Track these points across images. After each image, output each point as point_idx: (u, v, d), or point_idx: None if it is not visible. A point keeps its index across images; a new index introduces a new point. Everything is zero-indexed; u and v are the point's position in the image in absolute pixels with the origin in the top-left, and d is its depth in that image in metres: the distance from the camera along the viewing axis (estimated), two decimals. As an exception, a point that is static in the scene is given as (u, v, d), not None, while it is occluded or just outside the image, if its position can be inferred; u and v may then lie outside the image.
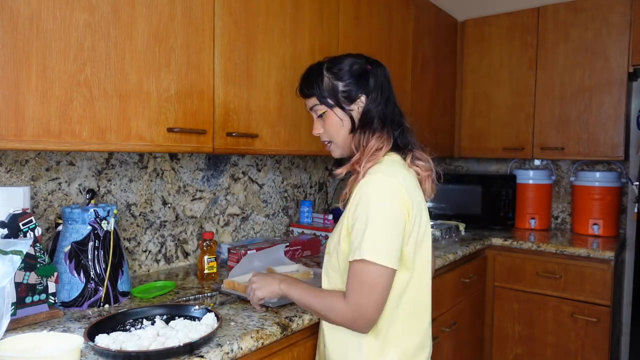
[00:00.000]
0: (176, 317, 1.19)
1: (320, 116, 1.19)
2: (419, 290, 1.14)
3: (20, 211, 1.19)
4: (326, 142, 1.23)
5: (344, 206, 1.14)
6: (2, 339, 0.96)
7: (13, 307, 1.10)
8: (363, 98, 1.15)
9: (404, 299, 1.10)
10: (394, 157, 1.14)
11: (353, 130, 1.16)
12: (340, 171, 1.15)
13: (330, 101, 1.15)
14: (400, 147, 1.16)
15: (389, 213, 1.02)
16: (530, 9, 2.79)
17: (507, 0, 3.00)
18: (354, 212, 1.05)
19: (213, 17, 1.44)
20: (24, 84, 1.05)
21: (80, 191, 1.52)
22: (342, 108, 1.15)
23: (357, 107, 1.15)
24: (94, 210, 1.31)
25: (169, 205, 1.78)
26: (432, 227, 2.55)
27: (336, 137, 1.18)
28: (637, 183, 2.37)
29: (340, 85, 1.15)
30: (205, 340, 1.06)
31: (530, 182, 2.87)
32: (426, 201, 1.18)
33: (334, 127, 1.17)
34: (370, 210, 1.01)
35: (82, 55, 1.14)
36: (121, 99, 1.22)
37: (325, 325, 1.18)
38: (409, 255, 1.08)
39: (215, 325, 1.11)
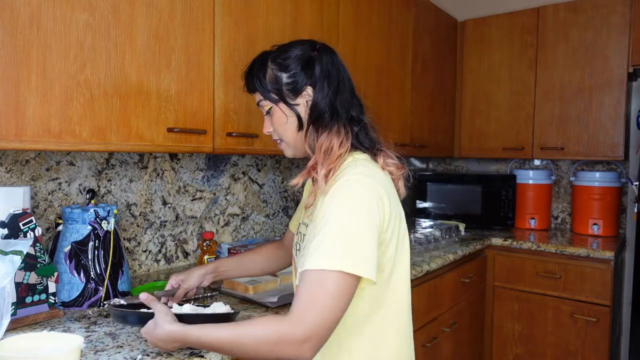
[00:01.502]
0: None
1: (268, 113, 1.07)
2: (398, 304, 1.02)
3: (21, 211, 1.19)
4: (278, 141, 1.11)
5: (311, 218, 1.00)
6: (2, 339, 0.96)
7: (13, 307, 1.10)
8: (309, 90, 1.02)
9: (380, 315, 0.99)
10: (363, 156, 1.01)
11: (301, 127, 1.03)
12: (296, 182, 1.01)
13: (274, 96, 1.03)
14: (366, 146, 1.03)
15: (364, 216, 0.88)
16: (530, 9, 2.79)
17: (507, 0, 3.00)
18: (326, 212, 0.89)
19: (213, 17, 1.45)
20: (24, 84, 1.05)
21: (80, 191, 1.52)
22: (287, 102, 1.03)
23: (305, 101, 1.02)
24: (94, 210, 1.31)
25: (169, 205, 1.78)
26: (432, 227, 2.55)
27: (284, 136, 1.07)
28: (637, 183, 2.37)
29: (284, 77, 1.02)
30: (236, 314, 1.06)
31: (530, 182, 2.87)
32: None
33: (280, 124, 1.05)
34: (342, 211, 0.88)
35: (82, 55, 1.14)
36: (121, 99, 1.22)
37: None
38: (386, 265, 0.96)
39: (231, 309, 1.08)
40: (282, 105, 1.04)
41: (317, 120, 1.01)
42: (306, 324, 0.80)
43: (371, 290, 0.95)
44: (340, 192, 0.91)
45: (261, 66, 1.06)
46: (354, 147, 1.02)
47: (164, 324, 0.89)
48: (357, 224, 0.87)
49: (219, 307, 1.08)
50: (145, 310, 0.98)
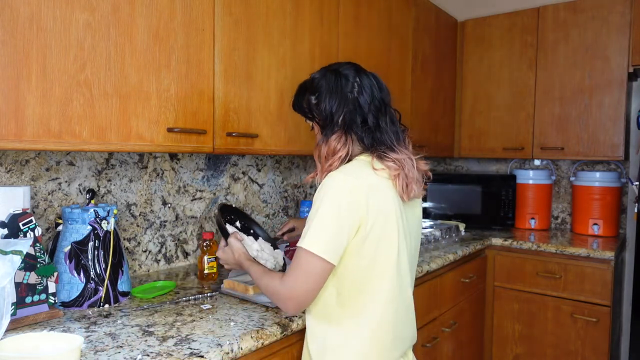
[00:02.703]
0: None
1: (312, 128, 1.28)
2: (382, 292, 1.12)
3: (20, 211, 1.19)
4: None
5: None
6: (2, 339, 0.96)
7: (13, 307, 1.10)
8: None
9: (360, 295, 1.12)
10: (364, 158, 1.16)
11: None
12: (306, 180, 1.24)
13: (309, 115, 1.24)
14: (368, 148, 1.17)
15: (336, 209, 1.05)
16: (530, 9, 2.79)
17: (507, 0, 3.00)
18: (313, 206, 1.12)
19: (213, 17, 1.44)
20: (24, 84, 1.05)
21: (80, 191, 1.52)
22: (315, 120, 1.23)
23: None
24: (94, 210, 1.31)
25: (169, 205, 1.78)
26: (432, 227, 2.55)
27: None
28: (637, 183, 2.37)
29: (312, 99, 1.22)
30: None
31: (530, 182, 2.87)
32: (405, 200, 1.15)
33: (318, 137, 1.24)
34: (321, 203, 1.06)
35: (82, 55, 1.14)
36: (121, 99, 1.22)
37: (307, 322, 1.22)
38: (367, 253, 1.09)
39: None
40: (314, 122, 1.24)
41: (324, 131, 1.19)
42: (287, 288, 1.09)
43: (354, 275, 1.10)
44: (320, 188, 1.10)
45: (300, 92, 1.27)
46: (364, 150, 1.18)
47: (236, 255, 1.29)
48: (325, 216, 1.05)
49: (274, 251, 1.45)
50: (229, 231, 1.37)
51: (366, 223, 1.07)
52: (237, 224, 1.50)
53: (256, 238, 1.48)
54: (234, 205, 1.63)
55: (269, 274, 1.18)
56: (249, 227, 1.54)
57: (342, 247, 1.07)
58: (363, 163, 1.14)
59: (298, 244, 1.08)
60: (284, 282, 1.10)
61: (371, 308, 1.11)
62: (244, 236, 1.39)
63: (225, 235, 1.35)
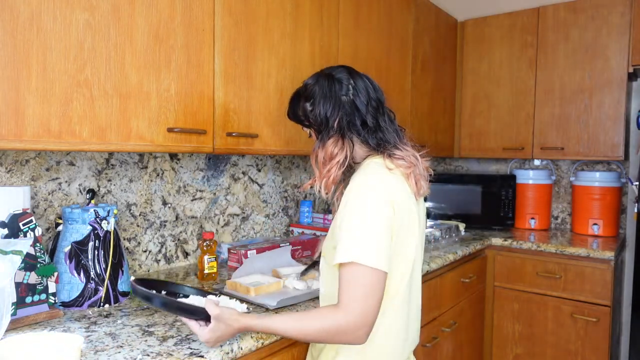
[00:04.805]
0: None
1: (310, 136, 1.24)
2: (396, 294, 1.09)
3: (21, 211, 1.19)
4: None
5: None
6: (2, 339, 0.96)
7: (13, 307, 1.10)
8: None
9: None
10: (376, 161, 1.12)
11: None
12: (304, 187, 1.21)
13: (305, 122, 1.21)
14: (374, 149, 1.13)
15: (375, 215, 0.99)
16: (530, 9, 2.79)
17: (507, 0, 3.00)
18: (342, 212, 1.02)
19: (213, 17, 1.44)
20: (24, 84, 1.05)
21: (80, 191, 1.52)
22: (312, 126, 1.20)
23: None
24: (94, 210, 1.31)
25: (169, 205, 1.78)
26: (432, 227, 2.55)
27: None
28: (637, 183, 2.37)
29: (308, 106, 1.18)
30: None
31: (530, 182, 2.87)
32: (416, 198, 1.14)
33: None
34: (356, 212, 0.99)
35: (82, 55, 1.14)
36: (121, 99, 1.22)
37: None
38: (393, 253, 1.04)
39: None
40: (311, 129, 1.20)
41: (320, 135, 1.15)
42: (356, 315, 0.93)
43: None
44: (352, 193, 1.03)
45: (294, 100, 1.23)
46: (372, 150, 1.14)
47: (234, 323, 1.01)
48: (365, 224, 0.98)
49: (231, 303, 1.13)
50: (184, 301, 1.05)
51: (395, 222, 1.03)
52: (163, 293, 1.15)
53: (187, 297, 1.16)
54: (143, 278, 1.16)
55: (307, 314, 1.02)
56: (176, 292, 1.20)
57: (388, 252, 0.99)
58: (377, 165, 1.09)
59: (345, 259, 0.96)
60: (349, 309, 0.94)
61: (388, 309, 1.06)
62: (214, 298, 1.12)
63: (197, 314, 1.01)
